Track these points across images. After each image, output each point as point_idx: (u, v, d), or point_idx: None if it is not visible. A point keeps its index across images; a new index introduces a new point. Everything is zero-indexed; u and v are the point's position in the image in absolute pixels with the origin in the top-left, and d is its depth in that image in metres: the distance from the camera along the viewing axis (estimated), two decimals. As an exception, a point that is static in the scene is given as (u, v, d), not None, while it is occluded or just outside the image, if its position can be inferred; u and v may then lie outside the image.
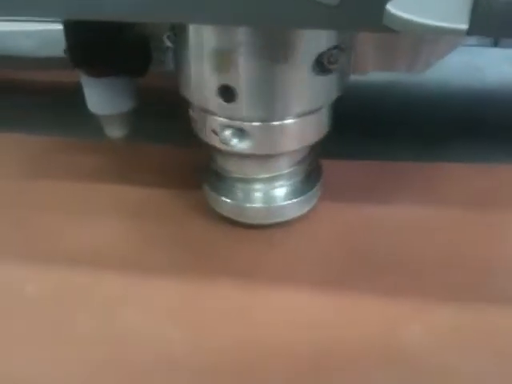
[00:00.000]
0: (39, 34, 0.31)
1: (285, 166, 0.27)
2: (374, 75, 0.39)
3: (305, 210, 0.28)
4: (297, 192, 0.28)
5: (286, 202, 0.27)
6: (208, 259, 0.27)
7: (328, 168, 0.30)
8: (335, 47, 0.23)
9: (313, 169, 0.28)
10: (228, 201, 0.27)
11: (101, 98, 0.29)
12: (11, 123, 0.36)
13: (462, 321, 0.24)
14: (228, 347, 0.23)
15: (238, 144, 0.25)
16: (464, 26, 0.17)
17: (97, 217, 0.29)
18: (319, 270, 0.26)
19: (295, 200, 0.27)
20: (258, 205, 0.27)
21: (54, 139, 0.35)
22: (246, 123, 0.24)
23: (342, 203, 0.29)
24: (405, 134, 0.37)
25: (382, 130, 0.37)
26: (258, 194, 0.27)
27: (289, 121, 0.25)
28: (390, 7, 0.17)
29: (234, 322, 0.24)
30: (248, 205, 0.27)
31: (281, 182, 0.27)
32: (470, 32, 0.17)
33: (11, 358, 0.23)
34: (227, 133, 0.24)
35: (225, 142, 0.25)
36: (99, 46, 0.25)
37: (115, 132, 0.30)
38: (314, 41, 0.22)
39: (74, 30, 0.25)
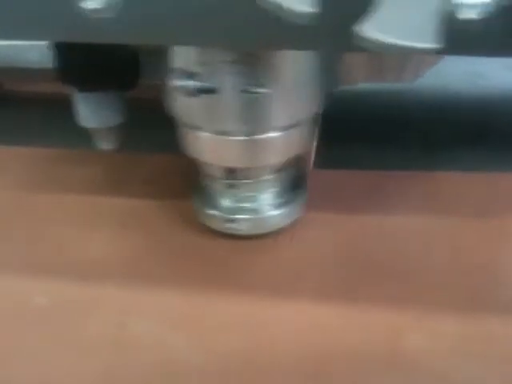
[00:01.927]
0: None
1: (270, 178, 0.27)
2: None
3: (292, 219, 0.28)
4: (283, 202, 0.28)
5: (272, 213, 0.28)
6: (203, 269, 0.27)
7: (326, 177, 0.31)
8: None
9: (298, 178, 0.28)
10: (216, 213, 0.27)
11: (90, 112, 0.29)
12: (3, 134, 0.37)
13: (464, 328, 0.24)
14: (232, 353, 0.23)
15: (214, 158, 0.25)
16: (431, 45, 0.17)
17: (89, 228, 0.29)
18: (316, 277, 0.27)
19: (281, 210, 0.28)
20: (244, 216, 0.27)
21: (47, 150, 0.35)
22: (230, 137, 0.25)
23: (339, 212, 0.30)
24: (406, 142, 0.37)
25: (383, 138, 0.37)
26: (244, 206, 0.27)
27: (273, 134, 0.25)
28: (359, 28, 0.17)
29: (235, 329, 0.24)
30: (235, 217, 0.27)
31: (266, 194, 0.27)
32: (440, 51, 0.17)
33: (21, 365, 0.23)
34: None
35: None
36: (88, 63, 0.26)
37: (105, 145, 0.31)
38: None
39: (63, 48, 0.25)
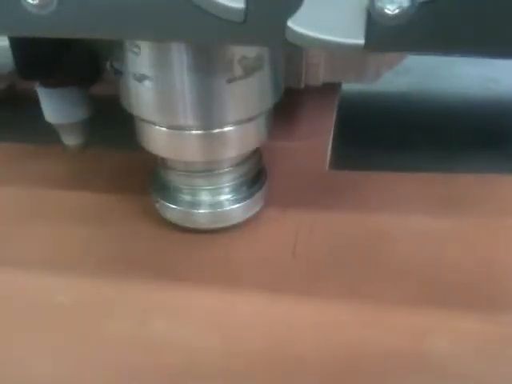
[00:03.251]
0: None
1: (229, 172, 0.28)
2: (389, 85, 0.41)
3: (252, 212, 0.29)
4: (242, 196, 0.28)
5: (231, 207, 0.28)
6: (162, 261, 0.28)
7: (339, 178, 0.32)
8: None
9: (257, 173, 0.29)
10: (174, 207, 0.28)
11: (53, 107, 0.30)
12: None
13: (488, 328, 0.24)
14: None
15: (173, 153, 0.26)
16: (361, 42, 0.18)
17: (51, 222, 0.30)
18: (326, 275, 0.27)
19: (241, 204, 0.28)
20: (203, 210, 0.28)
21: (12, 146, 0.35)
22: (186, 132, 0.25)
23: (349, 212, 0.30)
24: (419, 145, 0.38)
25: (397, 140, 0.38)
26: (202, 200, 0.28)
27: (228, 128, 0.25)
28: (290, 23, 0.18)
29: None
30: (194, 211, 0.28)
31: (225, 187, 0.28)
32: (366, 47, 0.18)
33: (43, 362, 0.23)
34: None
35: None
36: (45, 58, 0.26)
37: (71, 140, 0.31)
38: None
39: (20, 43, 0.26)
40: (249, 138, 0.26)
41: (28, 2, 0.18)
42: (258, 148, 0.28)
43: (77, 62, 0.27)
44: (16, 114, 0.36)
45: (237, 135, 0.26)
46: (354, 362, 0.23)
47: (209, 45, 0.22)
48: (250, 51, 0.23)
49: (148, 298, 0.26)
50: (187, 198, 0.28)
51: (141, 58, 0.23)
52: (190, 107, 0.24)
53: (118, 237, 0.29)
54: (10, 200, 0.32)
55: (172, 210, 0.28)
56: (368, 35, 0.18)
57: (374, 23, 0.17)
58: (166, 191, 0.28)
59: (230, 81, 0.24)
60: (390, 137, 0.40)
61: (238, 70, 0.24)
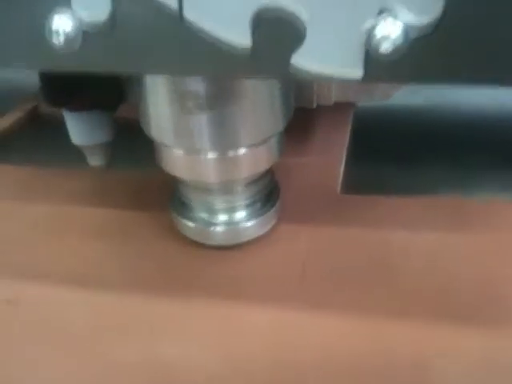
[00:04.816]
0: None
1: (243, 191, 0.29)
2: (404, 101, 0.42)
3: (265, 229, 0.30)
4: (256, 213, 0.30)
5: (245, 224, 0.30)
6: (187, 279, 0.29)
7: (351, 203, 0.33)
8: None
9: (270, 191, 0.31)
10: (192, 224, 0.30)
11: (80, 130, 0.32)
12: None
13: (491, 344, 0.24)
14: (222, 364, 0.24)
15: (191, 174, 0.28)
16: (359, 75, 0.19)
17: (75, 238, 0.31)
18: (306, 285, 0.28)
19: (255, 221, 0.30)
20: (219, 228, 0.29)
21: (37, 167, 0.37)
22: (202, 155, 0.27)
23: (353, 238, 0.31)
24: (433, 163, 0.39)
25: (410, 158, 0.39)
26: (218, 217, 0.29)
27: (242, 151, 0.27)
28: (294, 59, 0.20)
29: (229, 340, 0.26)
30: (210, 228, 0.29)
31: (240, 206, 0.29)
32: (364, 80, 0.19)
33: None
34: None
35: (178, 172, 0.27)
36: (69, 85, 0.28)
37: (95, 160, 0.33)
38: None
39: (46, 72, 0.28)
40: (261, 159, 0.28)
41: (54, 42, 0.20)
42: (270, 167, 0.29)
43: (101, 88, 0.29)
44: (40, 136, 0.37)
45: (250, 157, 0.27)
46: (358, 379, 0.23)
47: (219, 78, 0.23)
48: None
49: (158, 316, 0.27)
50: (204, 215, 0.30)
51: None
52: (206, 132, 0.26)
53: (137, 252, 0.31)
54: (37, 218, 0.33)
55: (189, 227, 0.30)
56: (366, 68, 0.19)
57: (371, 58, 0.19)
58: (184, 209, 0.30)
59: (244, 109, 0.25)
60: (403, 154, 0.40)
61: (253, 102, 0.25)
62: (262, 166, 0.28)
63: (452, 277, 0.28)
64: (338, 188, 0.34)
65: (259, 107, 0.26)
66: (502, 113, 0.45)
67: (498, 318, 0.25)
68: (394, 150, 0.41)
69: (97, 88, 0.29)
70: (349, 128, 0.39)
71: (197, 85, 0.24)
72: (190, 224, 0.30)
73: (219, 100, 0.25)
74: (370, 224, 0.31)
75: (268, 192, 0.30)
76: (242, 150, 0.27)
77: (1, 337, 0.26)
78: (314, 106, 0.35)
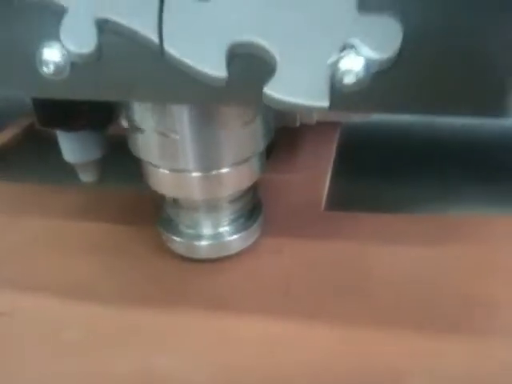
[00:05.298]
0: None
1: (226, 207, 0.31)
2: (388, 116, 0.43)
3: (248, 243, 0.32)
4: (239, 228, 0.31)
5: (230, 238, 0.31)
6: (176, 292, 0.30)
7: (334, 220, 0.34)
8: None
9: (253, 206, 0.32)
10: (179, 239, 0.31)
11: (72, 148, 0.33)
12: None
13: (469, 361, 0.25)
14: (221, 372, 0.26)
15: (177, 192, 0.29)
16: (325, 104, 0.21)
17: (68, 253, 0.33)
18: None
19: (238, 236, 0.31)
20: (204, 242, 0.31)
21: (33, 183, 0.39)
22: (187, 174, 0.28)
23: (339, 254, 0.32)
24: (418, 178, 0.40)
25: (396, 175, 0.41)
26: (204, 232, 0.31)
27: (224, 170, 0.29)
28: (266, 89, 0.21)
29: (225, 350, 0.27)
30: (196, 243, 0.31)
31: (224, 221, 0.31)
32: (330, 108, 0.21)
33: None
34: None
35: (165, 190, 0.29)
36: (62, 110, 0.30)
37: (88, 177, 0.35)
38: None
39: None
40: (243, 177, 0.29)
41: (44, 71, 0.22)
42: (252, 184, 0.31)
43: (92, 110, 0.31)
44: (36, 152, 0.39)
45: (232, 175, 0.29)
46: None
47: (196, 104, 0.25)
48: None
49: (150, 329, 0.28)
50: (190, 231, 0.31)
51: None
52: (191, 153, 0.27)
53: (128, 266, 0.32)
54: (33, 232, 0.35)
55: (176, 242, 0.31)
56: (331, 99, 0.21)
57: (336, 90, 0.20)
58: (171, 225, 0.32)
59: (226, 132, 0.27)
60: (387, 171, 0.42)
61: (234, 124, 0.27)
62: (244, 183, 0.30)
63: (433, 290, 0.29)
64: (323, 204, 0.36)
65: (239, 130, 0.27)
66: (491, 128, 0.46)
67: (478, 331, 0.27)
68: (378, 167, 0.42)
69: (88, 110, 0.31)
70: (334, 145, 0.40)
71: (171, 111, 0.26)
72: (177, 239, 0.31)
73: (198, 124, 0.26)
74: (352, 239, 0.33)
75: (251, 208, 0.32)
76: (225, 169, 0.28)
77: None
78: (298, 124, 0.37)
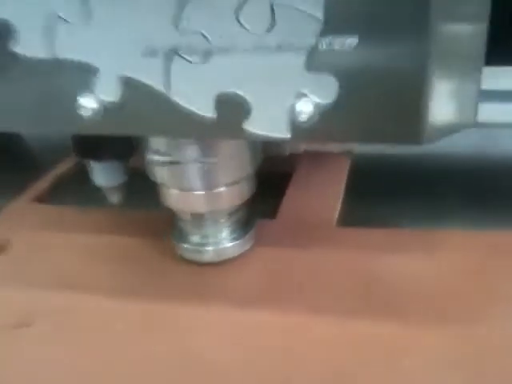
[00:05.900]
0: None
1: (225, 219, 0.38)
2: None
3: (244, 249, 0.39)
4: (236, 237, 0.39)
5: (228, 245, 0.38)
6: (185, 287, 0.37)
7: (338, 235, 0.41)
8: None
9: (248, 218, 0.39)
10: (186, 246, 0.39)
11: (102, 174, 0.41)
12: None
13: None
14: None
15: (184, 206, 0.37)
16: (288, 136, 0.29)
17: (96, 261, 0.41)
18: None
19: (235, 243, 0.38)
20: (207, 248, 0.38)
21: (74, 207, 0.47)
22: (192, 192, 0.36)
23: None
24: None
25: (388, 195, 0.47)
26: (207, 240, 0.38)
27: (222, 189, 0.36)
28: (245, 126, 0.29)
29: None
30: (200, 248, 0.39)
31: (224, 230, 0.38)
32: (292, 139, 0.29)
33: None
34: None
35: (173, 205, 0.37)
36: (95, 142, 0.38)
37: (115, 199, 0.43)
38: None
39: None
40: (236, 195, 0.37)
41: (82, 114, 0.30)
42: (245, 201, 0.38)
43: (117, 144, 0.39)
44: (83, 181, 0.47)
45: (228, 193, 0.36)
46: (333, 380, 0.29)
47: (193, 138, 0.33)
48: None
49: (174, 318, 0.35)
50: (195, 239, 0.39)
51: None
52: (194, 177, 0.35)
53: (143, 271, 0.39)
54: (68, 243, 0.43)
55: (184, 249, 0.39)
56: (292, 132, 0.28)
57: (295, 125, 0.28)
58: (181, 235, 0.39)
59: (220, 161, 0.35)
60: (392, 195, 0.48)
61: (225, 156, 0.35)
62: (238, 200, 0.37)
63: (425, 288, 0.34)
64: (334, 221, 0.42)
65: (231, 159, 0.35)
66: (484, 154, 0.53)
67: (463, 319, 0.32)
68: (384, 192, 0.49)
69: (114, 144, 0.39)
70: (346, 172, 0.48)
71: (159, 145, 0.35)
72: (186, 246, 0.39)
73: (200, 156, 0.34)
74: (357, 249, 0.39)
75: (246, 220, 0.39)
76: (222, 188, 0.36)
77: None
78: (287, 153, 0.45)
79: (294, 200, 0.46)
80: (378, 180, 0.51)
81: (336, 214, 0.43)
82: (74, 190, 0.51)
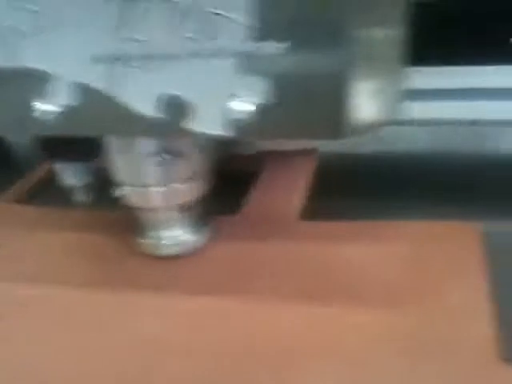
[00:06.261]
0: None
1: (182, 214, 0.40)
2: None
3: (200, 244, 0.41)
4: (192, 231, 0.41)
5: (184, 239, 0.41)
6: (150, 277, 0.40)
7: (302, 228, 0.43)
8: None
9: (206, 213, 0.42)
10: (146, 241, 0.41)
11: (70, 174, 0.44)
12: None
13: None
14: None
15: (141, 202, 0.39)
16: (227, 134, 0.31)
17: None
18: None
19: (191, 237, 0.41)
20: (165, 242, 0.40)
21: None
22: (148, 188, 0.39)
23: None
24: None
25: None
26: (165, 234, 0.41)
27: (177, 185, 0.39)
28: (186, 125, 0.31)
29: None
30: (159, 242, 0.41)
31: (181, 224, 0.41)
32: (230, 137, 0.31)
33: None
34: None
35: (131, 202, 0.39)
36: (61, 144, 0.41)
37: (82, 198, 0.45)
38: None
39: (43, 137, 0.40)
40: (192, 190, 0.39)
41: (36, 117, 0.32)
42: (203, 196, 0.40)
43: (82, 145, 0.41)
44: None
45: (183, 189, 0.39)
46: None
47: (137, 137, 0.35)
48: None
49: (135, 306, 0.37)
50: (154, 233, 0.41)
51: None
52: (150, 172, 0.38)
53: (108, 265, 0.41)
54: (35, 241, 0.46)
55: (144, 243, 0.41)
56: (229, 130, 0.31)
57: (232, 124, 0.30)
58: (139, 230, 0.41)
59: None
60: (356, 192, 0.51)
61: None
62: (194, 195, 0.40)
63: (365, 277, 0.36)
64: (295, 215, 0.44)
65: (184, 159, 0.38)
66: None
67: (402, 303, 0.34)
68: (348, 189, 0.51)
69: (78, 144, 0.41)
70: (312, 169, 0.50)
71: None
72: (144, 241, 0.41)
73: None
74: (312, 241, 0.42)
75: (203, 215, 0.42)
76: (178, 184, 0.39)
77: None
78: (254, 152, 0.48)
79: (259, 196, 0.48)
80: (344, 177, 0.54)
81: (297, 209, 0.46)
82: (54, 191, 0.54)
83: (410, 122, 0.42)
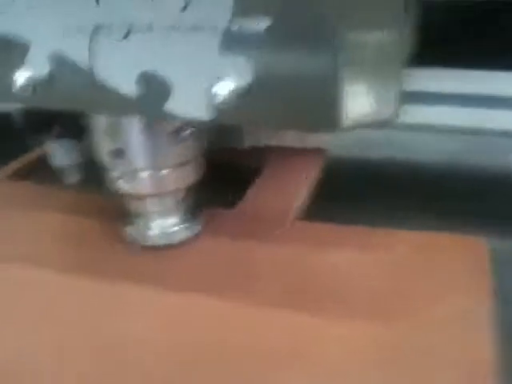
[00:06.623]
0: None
1: (174, 204, 0.38)
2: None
3: (192, 233, 0.39)
4: (184, 221, 0.39)
5: (175, 229, 0.38)
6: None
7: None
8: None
9: (195, 205, 0.39)
10: (134, 229, 0.39)
11: (59, 154, 0.42)
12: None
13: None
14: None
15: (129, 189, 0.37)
16: (207, 117, 0.29)
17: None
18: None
19: (183, 227, 0.38)
20: (153, 231, 0.38)
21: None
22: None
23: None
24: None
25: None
26: (153, 223, 0.38)
27: (168, 170, 0.37)
28: (165, 106, 0.29)
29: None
30: (147, 231, 0.38)
31: (171, 215, 0.39)
32: (211, 121, 0.29)
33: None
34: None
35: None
36: (46, 120, 0.39)
37: (72, 178, 0.44)
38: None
39: (28, 112, 0.39)
40: (183, 176, 0.37)
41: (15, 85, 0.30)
42: (194, 186, 0.38)
43: (68, 122, 0.39)
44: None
45: (175, 175, 0.37)
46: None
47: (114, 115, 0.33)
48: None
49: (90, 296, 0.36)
50: (142, 222, 0.39)
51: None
52: (139, 158, 0.36)
53: (93, 253, 0.39)
54: (24, 221, 0.44)
55: (129, 232, 0.39)
56: (211, 113, 0.28)
57: (213, 105, 0.28)
58: (129, 218, 0.39)
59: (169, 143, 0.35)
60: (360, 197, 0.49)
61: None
62: (185, 182, 0.37)
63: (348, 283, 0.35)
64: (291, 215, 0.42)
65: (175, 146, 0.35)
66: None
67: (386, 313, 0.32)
68: (352, 193, 0.49)
69: (64, 121, 0.39)
70: (317, 169, 0.48)
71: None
72: (130, 229, 0.39)
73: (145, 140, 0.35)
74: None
75: (193, 208, 0.39)
76: (169, 169, 0.36)
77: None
78: (245, 145, 0.45)
79: (257, 193, 0.45)
80: (351, 181, 0.52)
81: (295, 209, 0.43)
82: (49, 171, 0.52)
83: (414, 127, 0.39)
